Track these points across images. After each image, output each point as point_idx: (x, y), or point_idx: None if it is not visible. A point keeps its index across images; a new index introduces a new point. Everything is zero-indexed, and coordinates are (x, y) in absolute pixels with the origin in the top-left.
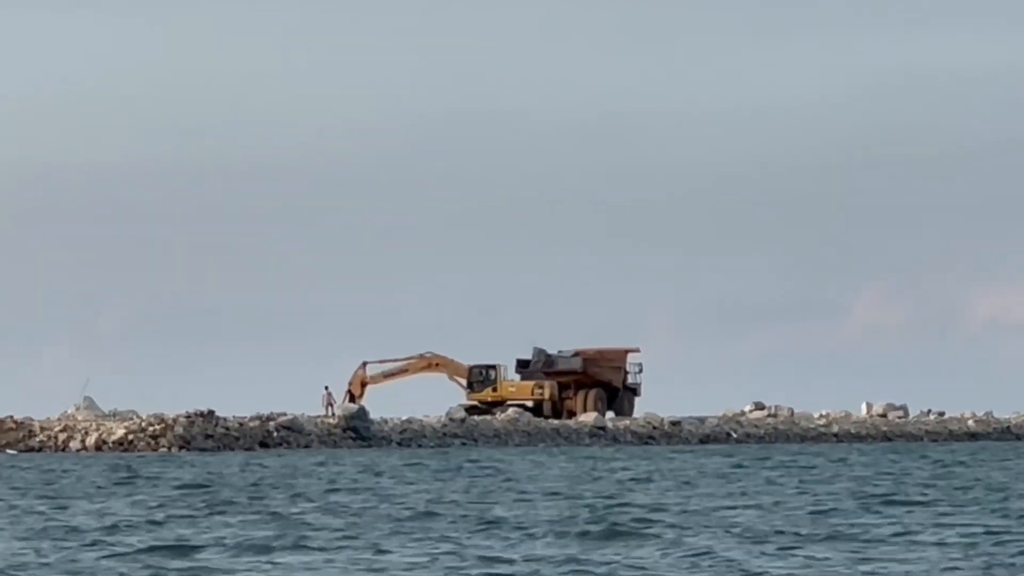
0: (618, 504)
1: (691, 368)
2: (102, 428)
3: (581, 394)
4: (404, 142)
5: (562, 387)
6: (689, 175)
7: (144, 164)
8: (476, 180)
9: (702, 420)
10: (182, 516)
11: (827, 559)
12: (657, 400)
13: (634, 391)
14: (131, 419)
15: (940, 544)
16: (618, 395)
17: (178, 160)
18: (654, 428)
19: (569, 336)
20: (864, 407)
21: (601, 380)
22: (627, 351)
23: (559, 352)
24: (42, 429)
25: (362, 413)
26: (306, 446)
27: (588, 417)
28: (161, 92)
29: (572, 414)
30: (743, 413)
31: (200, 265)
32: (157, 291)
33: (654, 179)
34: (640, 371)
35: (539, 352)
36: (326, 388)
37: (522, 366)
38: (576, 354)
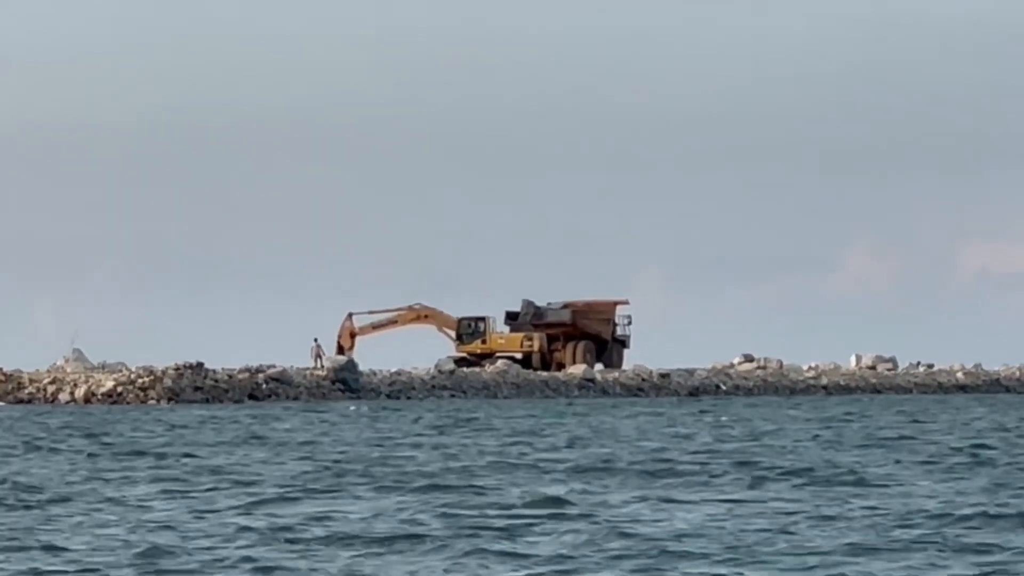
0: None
1: (680, 320)
2: (91, 380)
3: (570, 346)
4: (391, 93)
5: (551, 339)
6: (679, 129)
7: (131, 117)
8: (465, 132)
9: (691, 372)
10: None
11: None
12: (646, 352)
13: (623, 343)
14: (120, 371)
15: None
16: (607, 347)
17: (166, 113)
18: (643, 380)
19: (558, 289)
20: (853, 359)
21: (590, 332)
22: (616, 303)
23: (548, 304)
24: (31, 381)
25: (351, 365)
26: (295, 398)
27: (577, 369)
28: (147, 47)
29: (561, 366)
30: (732, 365)
31: (190, 217)
32: (146, 243)
33: (643, 132)
34: (629, 323)
35: (528, 304)
36: (315, 340)
37: (511, 318)
38: (565, 306)
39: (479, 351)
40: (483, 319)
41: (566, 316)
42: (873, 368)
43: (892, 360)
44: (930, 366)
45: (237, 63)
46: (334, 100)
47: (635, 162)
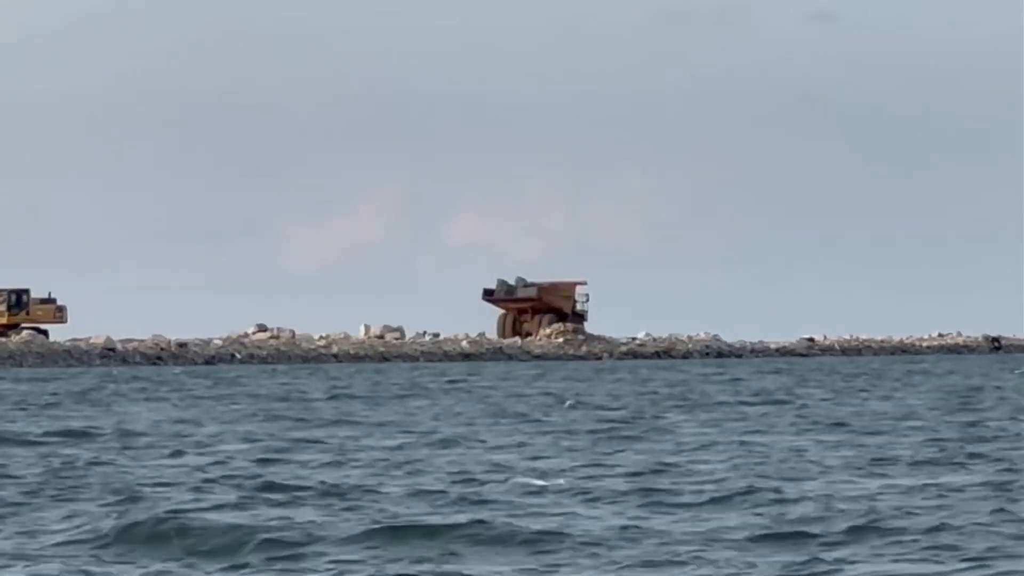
0: None
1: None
2: None
3: (536, 318)
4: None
5: (521, 312)
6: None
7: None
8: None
9: (207, 342)
10: None
11: None
12: (162, 321)
13: (582, 317)
14: None
15: None
16: (567, 320)
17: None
18: (162, 349)
19: None
20: (363, 329)
21: (553, 307)
22: (576, 284)
23: (520, 283)
24: None
25: None
26: None
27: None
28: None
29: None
30: (246, 335)
31: None
32: None
33: None
34: (587, 300)
35: (502, 283)
36: None
37: (487, 294)
38: (532, 285)
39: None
40: (26, 291)
41: (533, 293)
42: (382, 337)
43: (400, 329)
44: (436, 335)
45: None
46: None
47: None
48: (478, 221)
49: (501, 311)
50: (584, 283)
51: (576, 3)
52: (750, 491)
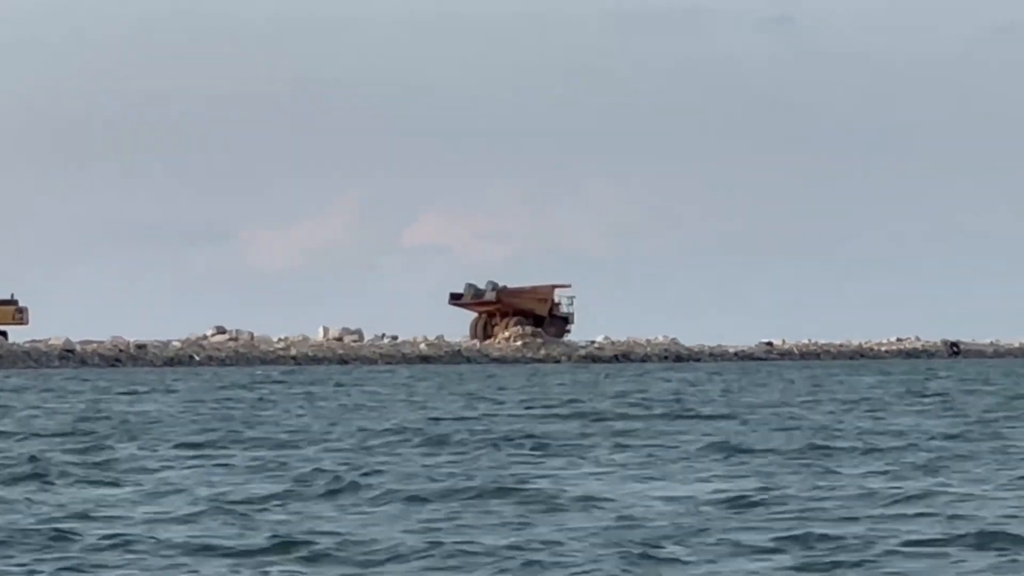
0: None
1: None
2: None
3: (504, 321)
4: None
5: (489, 315)
6: None
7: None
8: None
9: (166, 343)
10: None
11: None
12: (121, 322)
13: (566, 320)
14: None
15: None
16: (544, 323)
17: None
18: (120, 351)
19: None
20: (321, 331)
21: (521, 310)
22: (555, 287)
23: (491, 287)
24: None
25: None
26: None
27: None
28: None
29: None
30: (205, 337)
31: None
32: None
33: None
34: (571, 303)
35: (469, 286)
36: None
37: (455, 298)
38: (495, 289)
39: None
40: None
41: (492, 297)
42: (340, 340)
43: (358, 332)
44: (395, 337)
45: None
46: None
47: None
48: (439, 224)
49: (474, 315)
50: (567, 286)
51: (536, 5)
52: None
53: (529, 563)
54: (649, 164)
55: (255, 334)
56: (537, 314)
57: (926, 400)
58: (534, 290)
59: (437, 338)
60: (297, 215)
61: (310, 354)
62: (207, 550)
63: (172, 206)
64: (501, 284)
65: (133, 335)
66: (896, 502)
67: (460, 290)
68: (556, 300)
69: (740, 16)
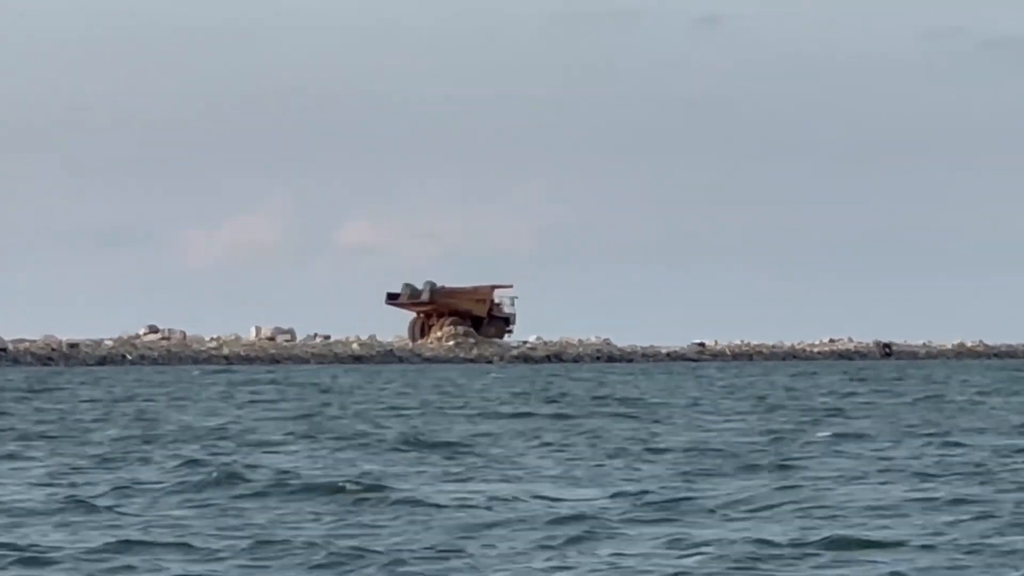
0: None
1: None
2: None
3: (440, 321)
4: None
5: (427, 315)
6: None
7: None
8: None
9: (98, 342)
10: None
11: None
12: (51, 320)
13: (506, 320)
14: None
15: None
16: (483, 323)
17: None
18: (53, 350)
19: None
20: (253, 330)
21: (457, 310)
22: (494, 287)
23: (427, 287)
24: None
25: None
26: None
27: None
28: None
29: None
30: (138, 336)
31: None
32: None
33: None
34: (513, 303)
35: (407, 287)
36: None
37: (392, 298)
38: (432, 290)
39: None
40: None
41: (426, 297)
42: (273, 339)
43: (291, 331)
44: (327, 337)
45: None
46: None
47: None
48: (371, 224)
49: (412, 315)
50: (509, 286)
51: (471, 6)
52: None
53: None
54: (581, 165)
55: (188, 333)
56: (475, 315)
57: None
58: (475, 290)
59: (369, 338)
60: (228, 214)
61: (242, 353)
62: None
63: (103, 205)
64: (439, 284)
65: (66, 334)
66: None
67: (397, 290)
68: (497, 300)
69: (671, 18)
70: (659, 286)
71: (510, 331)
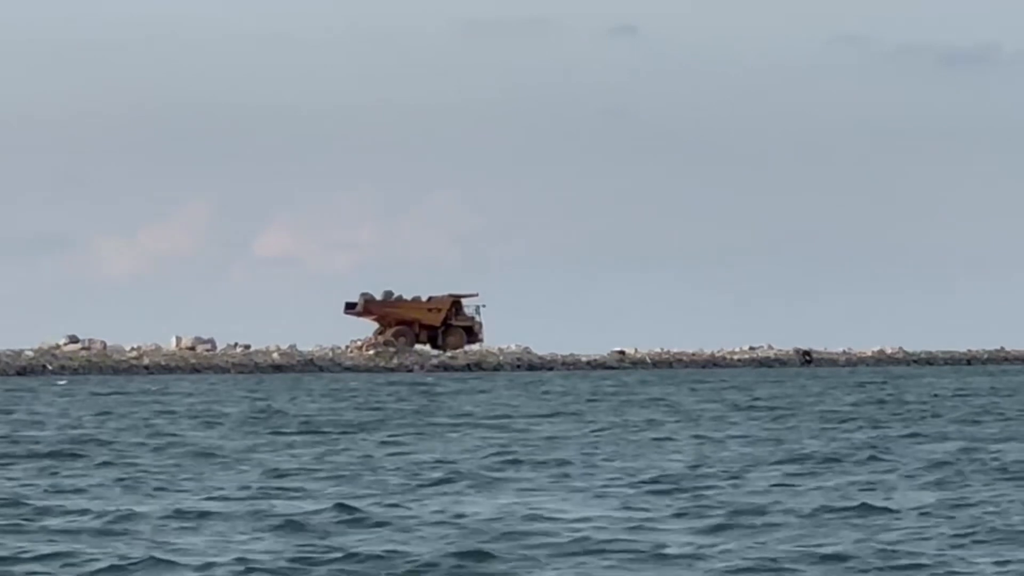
0: None
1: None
2: None
3: (389, 330)
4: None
5: (384, 324)
6: None
7: None
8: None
9: (18, 352)
10: None
11: None
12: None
13: (469, 329)
14: None
15: None
16: (437, 333)
17: None
18: None
19: None
20: (174, 340)
21: (406, 320)
22: (455, 296)
23: (386, 296)
24: None
25: None
26: None
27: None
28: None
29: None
30: (58, 346)
31: None
32: None
33: None
34: (478, 312)
35: (363, 296)
36: None
37: (349, 307)
38: (397, 299)
39: None
40: None
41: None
42: (193, 349)
43: (211, 341)
44: (247, 347)
45: None
46: None
47: None
48: (289, 233)
49: (375, 325)
50: (475, 295)
51: (381, 14)
52: None
53: None
54: (497, 173)
55: (108, 343)
56: (425, 324)
57: None
58: (431, 300)
59: (289, 347)
60: (147, 223)
61: (163, 363)
62: None
63: (21, 214)
64: (397, 294)
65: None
66: None
67: (354, 299)
68: (455, 310)
69: (585, 25)
70: (579, 294)
71: (479, 340)
